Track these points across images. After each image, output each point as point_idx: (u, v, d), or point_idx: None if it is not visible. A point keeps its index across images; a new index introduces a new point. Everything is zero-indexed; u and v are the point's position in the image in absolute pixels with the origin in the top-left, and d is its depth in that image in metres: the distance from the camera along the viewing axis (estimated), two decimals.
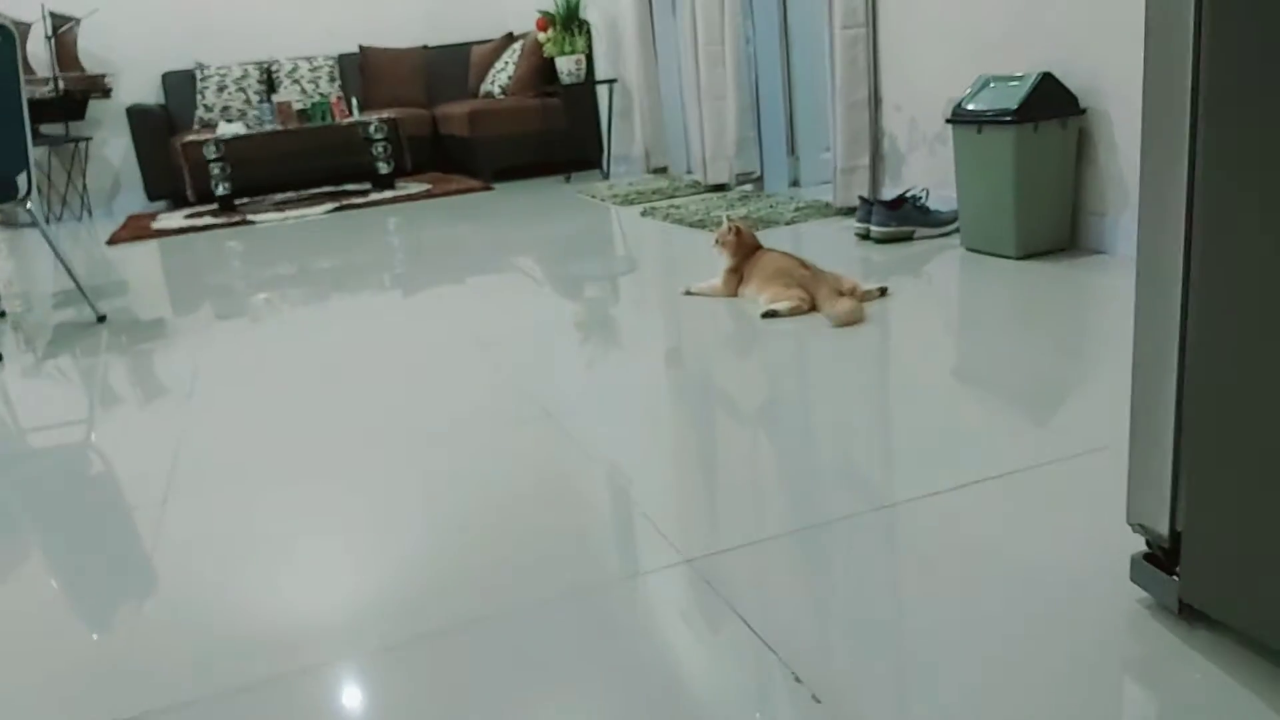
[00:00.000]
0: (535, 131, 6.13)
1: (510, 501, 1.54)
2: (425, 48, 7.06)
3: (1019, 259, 2.75)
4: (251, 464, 1.82)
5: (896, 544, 1.29)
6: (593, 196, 5.07)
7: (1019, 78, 2.71)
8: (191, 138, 5.87)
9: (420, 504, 1.57)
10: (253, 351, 2.65)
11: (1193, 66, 0.88)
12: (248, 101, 6.70)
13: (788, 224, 3.67)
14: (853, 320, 2.30)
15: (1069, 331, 2.13)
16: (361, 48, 6.94)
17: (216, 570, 1.41)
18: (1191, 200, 0.91)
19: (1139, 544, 1.10)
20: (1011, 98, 2.67)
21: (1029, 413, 1.70)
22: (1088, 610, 1.11)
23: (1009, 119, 2.63)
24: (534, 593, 1.26)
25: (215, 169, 5.73)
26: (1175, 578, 1.04)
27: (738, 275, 2.65)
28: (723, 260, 2.65)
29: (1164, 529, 1.02)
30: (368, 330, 2.76)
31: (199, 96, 6.71)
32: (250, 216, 5.50)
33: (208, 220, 5.50)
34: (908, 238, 3.15)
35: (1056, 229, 2.78)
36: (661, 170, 5.70)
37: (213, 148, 5.69)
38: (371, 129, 5.94)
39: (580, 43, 5.74)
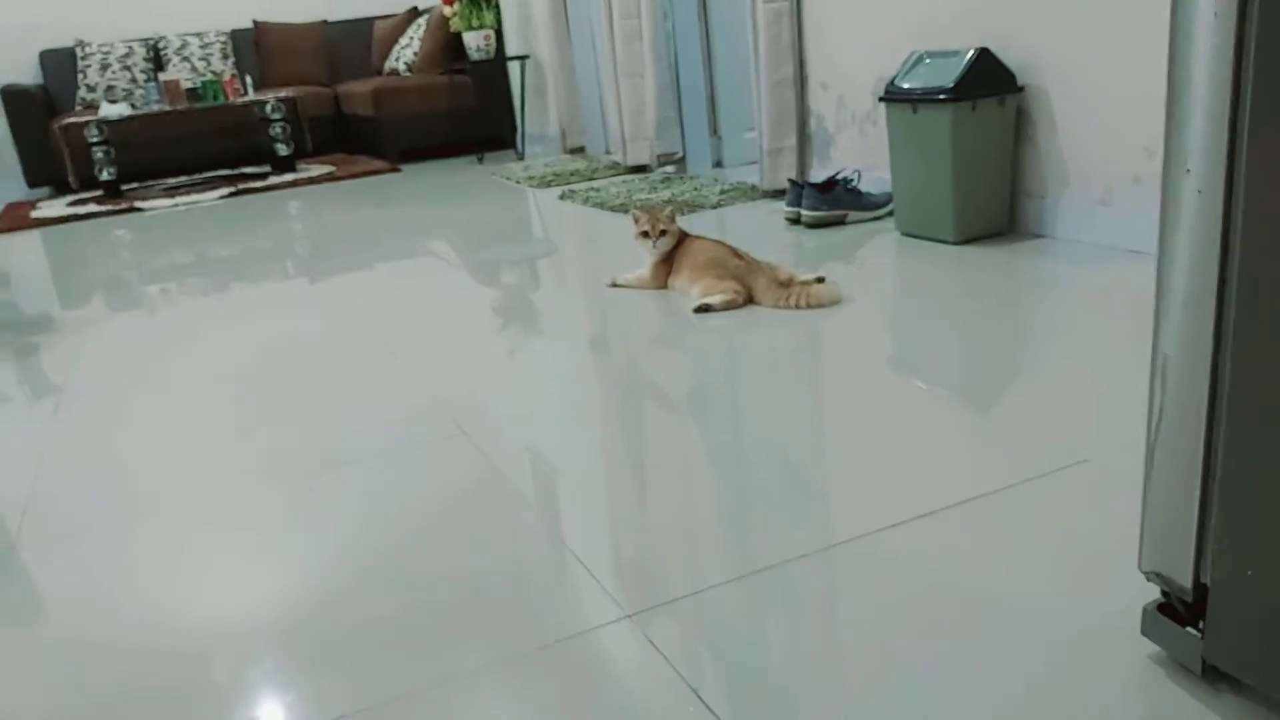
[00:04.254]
0: (444, 110, 5.87)
1: (418, 546, 1.35)
2: (325, 23, 6.71)
3: (957, 244, 2.63)
4: (121, 491, 1.59)
5: (854, 589, 1.14)
6: (507, 178, 4.84)
7: (954, 53, 2.58)
8: (72, 120, 5.48)
9: (313, 549, 1.37)
10: (138, 355, 2.38)
11: (1238, 13, 0.73)
12: (134, 81, 6.29)
13: (714, 208, 3.51)
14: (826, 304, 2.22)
15: (1020, 324, 2.01)
16: (256, 23, 6.57)
17: (58, 633, 1.20)
18: (1231, 188, 0.77)
19: (1141, 582, 0.97)
20: (947, 75, 2.54)
21: (992, 421, 1.56)
22: (1089, 667, 0.96)
23: (945, 97, 2.50)
24: (454, 662, 1.07)
25: (99, 153, 5.35)
26: (1196, 632, 0.90)
27: (667, 265, 2.47)
28: (650, 252, 2.47)
29: (1187, 581, 0.88)
30: (264, 330, 2.52)
31: (80, 76, 6.28)
32: (138, 203, 5.14)
33: (92, 208, 5.13)
34: (840, 222, 3.01)
35: (995, 212, 2.67)
36: (579, 150, 5.49)
37: (95, 130, 5.31)
38: (269, 109, 5.61)
39: (489, 17, 5.48)
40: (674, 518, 1.34)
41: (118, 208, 5.08)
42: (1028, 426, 1.52)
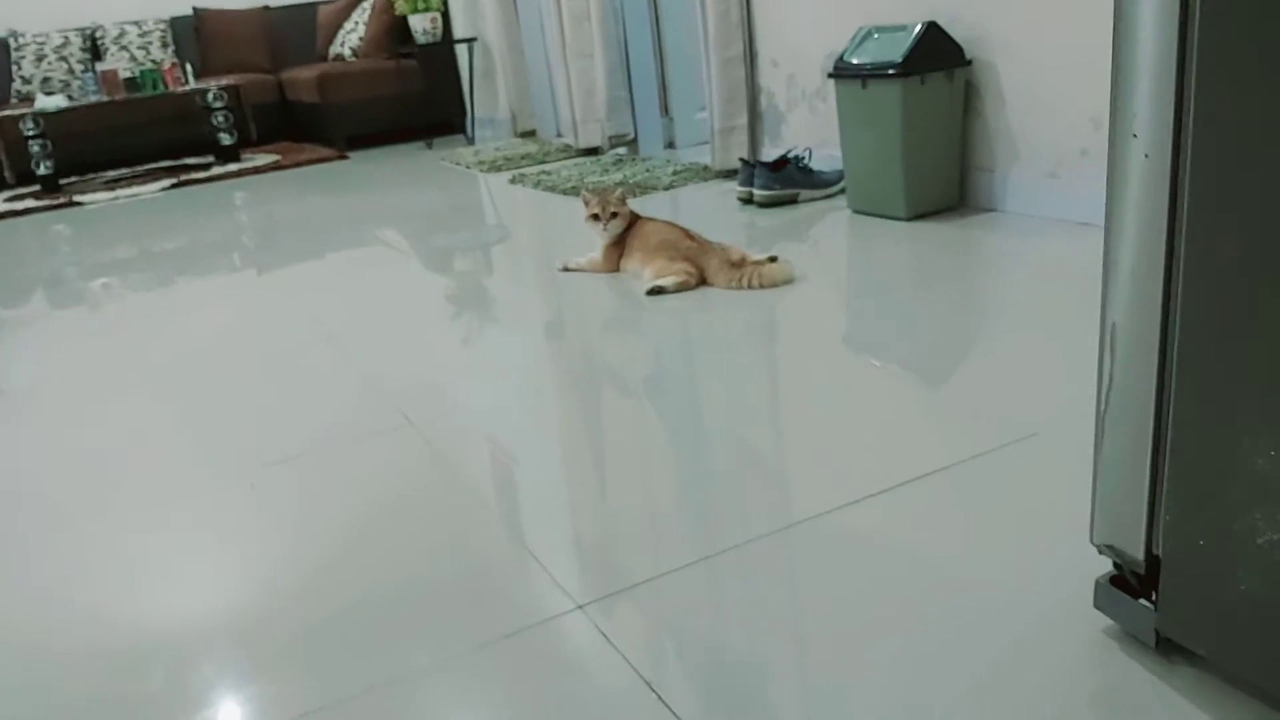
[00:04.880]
0: (391, 95, 5.77)
1: (365, 542, 1.32)
2: (266, 8, 6.57)
3: (909, 220, 2.62)
4: (61, 493, 1.53)
5: (811, 568, 1.12)
6: (457, 163, 4.77)
7: (902, 28, 2.56)
8: (7, 113, 5.31)
9: (258, 548, 1.33)
10: (79, 353, 2.31)
11: None
12: (70, 71, 6.12)
13: (666, 189, 3.48)
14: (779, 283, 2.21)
15: (971, 299, 2.00)
16: (196, 10, 6.41)
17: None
18: (1179, 152, 0.75)
19: (1091, 553, 0.96)
20: (896, 49, 2.52)
21: (945, 396, 1.55)
22: (1043, 642, 0.96)
23: (895, 71, 2.49)
24: (403, 659, 1.04)
25: (35, 146, 5.19)
26: (1149, 604, 0.89)
27: (619, 248, 2.44)
28: (600, 234, 2.44)
29: (1139, 553, 0.87)
30: (209, 324, 2.45)
31: (14, 68, 6.09)
32: (78, 197, 5.01)
33: (30, 203, 4.99)
34: (792, 200, 3.00)
35: (945, 187, 2.66)
36: (530, 134, 5.43)
37: (31, 123, 5.15)
38: (210, 97, 5.48)
39: None
40: (629, 503, 1.32)
41: (56, 202, 4.94)
42: (979, 401, 1.51)
